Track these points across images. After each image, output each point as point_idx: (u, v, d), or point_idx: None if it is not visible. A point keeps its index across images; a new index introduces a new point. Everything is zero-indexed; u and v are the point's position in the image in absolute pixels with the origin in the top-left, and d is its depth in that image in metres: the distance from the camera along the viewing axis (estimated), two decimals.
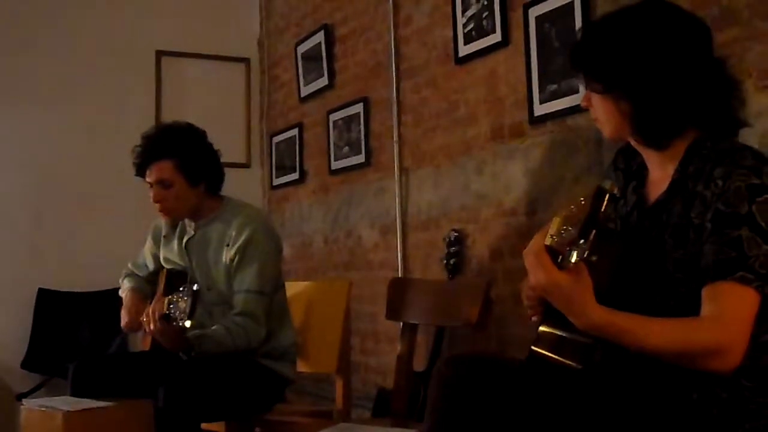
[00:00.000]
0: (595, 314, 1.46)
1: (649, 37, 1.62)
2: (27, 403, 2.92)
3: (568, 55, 1.75)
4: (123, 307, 3.07)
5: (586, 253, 1.40)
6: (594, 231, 1.40)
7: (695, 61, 1.62)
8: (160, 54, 5.12)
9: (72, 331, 4.71)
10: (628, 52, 1.61)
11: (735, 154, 1.54)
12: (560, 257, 1.44)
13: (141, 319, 2.76)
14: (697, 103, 1.61)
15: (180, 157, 2.89)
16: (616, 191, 1.47)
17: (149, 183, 2.92)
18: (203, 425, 2.71)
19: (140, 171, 2.95)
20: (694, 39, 1.64)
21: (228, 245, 2.89)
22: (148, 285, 3.14)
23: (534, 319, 1.70)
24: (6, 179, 4.74)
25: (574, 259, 1.41)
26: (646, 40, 1.61)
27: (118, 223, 4.77)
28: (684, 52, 1.61)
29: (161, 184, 2.89)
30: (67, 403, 2.70)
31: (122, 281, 3.19)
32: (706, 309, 1.49)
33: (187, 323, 2.50)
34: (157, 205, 2.92)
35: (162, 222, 3.12)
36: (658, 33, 1.62)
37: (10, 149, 4.77)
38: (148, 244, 3.17)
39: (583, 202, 1.45)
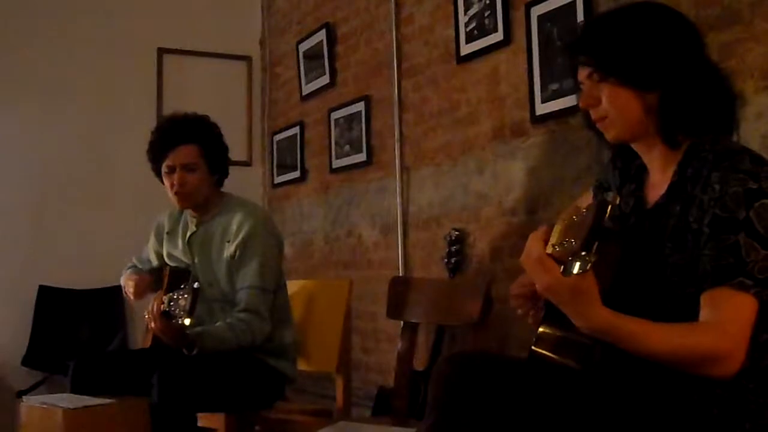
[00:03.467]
0: (600, 316, 1.45)
1: (668, 30, 1.60)
2: (27, 400, 2.92)
3: (574, 47, 1.68)
4: (126, 281, 3.11)
5: (589, 265, 1.39)
6: (596, 243, 1.40)
7: (703, 59, 1.62)
8: (161, 51, 5.12)
9: (72, 329, 4.71)
10: (658, 44, 1.58)
11: (732, 158, 1.52)
12: (562, 267, 1.44)
13: (144, 315, 2.76)
14: (712, 100, 1.59)
15: (204, 144, 2.93)
16: (618, 202, 1.46)
17: (168, 167, 2.92)
18: (202, 422, 2.71)
19: (161, 154, 2.94)
20: (698, 38, 1.64)
21: (229, 241, 2.90)
22: (150, 277, 3.15)
23: (528, 319, 1.70)
24: (7, 176, 4.75)
25: (576, 270, 1.40)
26: (668, 33, 1.60)
27: (119, 220, 4.78)
28: (696, 49, 1.62)
29: (186, 167, 2.90)
30: (67, 400, 2.70)
31: (124, 271, 3.21)
32: (705, 315, 1.49)
33: (187, 321, 2.51)
34: (176, 189, 2.91)
35: (165, 219, 3.13)
36: (673, 27, 1.62)
37: (11, 147, 4.77)
38: (151, 241, 3.18)
39: (584, 213, 1.44)
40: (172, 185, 2.92)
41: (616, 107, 1.62)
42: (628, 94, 1.61)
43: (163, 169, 2.94)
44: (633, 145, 1.70)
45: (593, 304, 1.45)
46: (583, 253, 1.39)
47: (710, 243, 1.49)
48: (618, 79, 1.60)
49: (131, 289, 3.07)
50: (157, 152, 2.95)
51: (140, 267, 3.21)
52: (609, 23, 1.66)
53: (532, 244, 1.49)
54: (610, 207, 1.43)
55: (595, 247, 1.39)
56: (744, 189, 1.48)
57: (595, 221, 1.41)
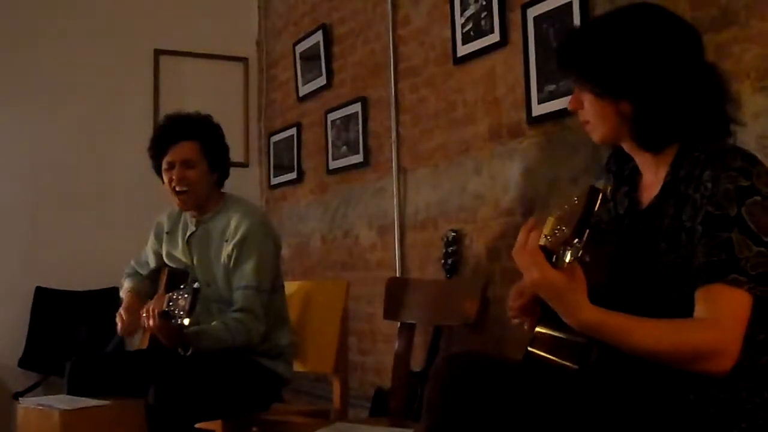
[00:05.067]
0: (589, 313, 1.46)
1: (648, 37, 1.61)
2: (24, 402, 2.92)
3: (558, 55, 1.73)
4: (119, 310, 3.06)
5: (580, 252, 1.40)
6: (588, 230, 1.40)
7: (692, 64, 1.62)
8: (158, 53, 5.12)
9: (69, 330, 4.71)
10: (629, 53, 1.60)
11: (724, 157, 1.53)
12: (554, 257, 1.44)
13: (141, 314, 2.75)
14: (697, 107, 1.60)
15: (204, 141, 2.94)
16: (608, 191, 1.47)
17: (168, 163, 2.92)
18: (199, 423, 2.70)
19: (161, 150, 2.95)
20: (690, 43, 1.64)
21: (227, 241, 2.90)
22: (148, 284, 3.14)
23: (525, 326, 1.72)
24: (4, 177, 4.74)
25: (568, 258, 1.41)
26: (646, 40, 1.61)
27: (116, 221, 4.78)
28: (682, 55, 1.62)
29: (186, 164, 2.91)
30: (63, 401, 2.70)
31: (123, 281, 3.19)
32: (699, 311, 1.49)
33: (186, 321, 2.51)
34: (175, 186, 2.91)
35: (164, 219, 3.12)
36: (658, 34, 1.62)
37: (9, 148, 4.77)
38: (151, 241, 3.17)
39: (576, 202, 1.45)
40: (171, 181, 2.93)
41: (594, 114, 1.67)
42: (604, 102, 1.64)
43: (163, 165, 2.94)
44: (623, 147, 1.72)
45: (580, 300, 1.46)
46: (575, 241, 1.40)
47: (703, 240, 1.50)
48: (592, 89, 1.65)
49: (120, 326, 3.03)
50: (157, 148, 2.96)
51: (140, 271, 3.19)
52: (589, 34, 1.69)
53: (524, 237, 1.50)
54: (601, 194, 1.44)
55: (586, 234, 1.40)
56: (735, 186, 1.49)
57: (586, 209, 1.41)
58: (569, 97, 1.75)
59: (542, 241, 1.46)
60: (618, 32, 1.63)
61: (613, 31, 1.64)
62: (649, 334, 1.47)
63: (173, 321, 2.54)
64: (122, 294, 3.16)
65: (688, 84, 1.60)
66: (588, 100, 1.67)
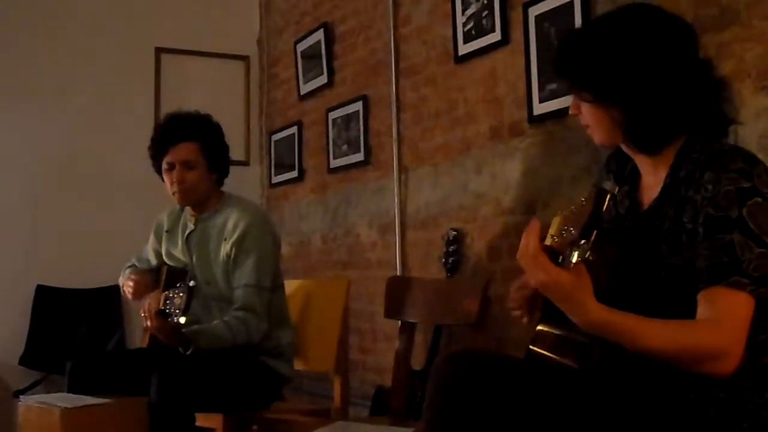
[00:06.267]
0: (596, 313, 1.46)
1: (636, 43, 1.62)
2: (25, 400, 2.92)
3: (552, 64, 1.75)
4: (126, 281, 3.09)
5: (587, 253, 1.40)
6: (595, 231, 1.40)
7: (682, 64, 1.62)
8: (159, 51, 5.12)
9: (70, 328, 4.71)
10: (616, 60, 1.61)
11: (724, 158, 1.54)
12: (561, 257, 1.44)
13: (140, 313, 2.76)
14: (688, 108, 1.61)
15: (204, 141, 2.96)
16: (616, 192, 1.47)
17: (168, 164, 2.93)
18: (200, 422, 2.71)
19: (161, 150, 2.95)
20: (680, 42, 1.64)
21: (225, 239, 2.91)
22: (149, 276, 3.15)
23: (524, 320, 1.74)
24: (5, 175, 4.74)
25: (575, 259, 1.41)
26: (634, 47, 1.61)
27: (117, 220, 4.78)
28: (671, 57, 1.61)
29: (185, 164, 2.92)
30: (64, 399, 2.70)
31: (123, 272, 3.21)
32: (701, 313, 1.50)
33: (182, 319, 2.52)
34: (175, 187, 2.93)
35: (164, 217, 3.13)
36: (645, 38, 1.62)
37: (10, 146, 4.77)
38: (151, 239, 3.19)
39: (583, 203, 1.45)
40: (171, 182, 2.93)
41: (590, 118, 1.70)
42: (598, 108, 1.66)
43: (164, 165, 2.95)
44: (623, 148, 1.73)
45: (587, 300, 1.46)
46: (582, 242, 1.40)
47: (705, 242, 1.51)
48: (584, 96, 1.67)
49: (130, 290, 3.07)
50: (157, 149, 2.97)
51: (139, 267, 3.21)
52: (581, 42, 1.69)
53: (527, 240, 1.50)
54: (609, 195, 1.43)
55: (593, 235, 1.40)
56: (736, 188, 1.49)
57: (594, 209, 1.41)
58: (570, 97, 1.75)
59: (548, 241, 1.46)
60: (609, 39, 1.64)
61: (604, 38, 1.65)
62: (655, 334, 1.47)
63: (170, 319, 2.55)
64: (121, 281, 3.17)
65: (681, 85, 1.60)
66: (583, 106, 1.69)
